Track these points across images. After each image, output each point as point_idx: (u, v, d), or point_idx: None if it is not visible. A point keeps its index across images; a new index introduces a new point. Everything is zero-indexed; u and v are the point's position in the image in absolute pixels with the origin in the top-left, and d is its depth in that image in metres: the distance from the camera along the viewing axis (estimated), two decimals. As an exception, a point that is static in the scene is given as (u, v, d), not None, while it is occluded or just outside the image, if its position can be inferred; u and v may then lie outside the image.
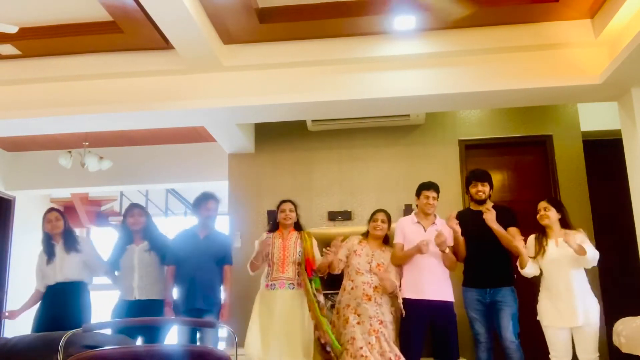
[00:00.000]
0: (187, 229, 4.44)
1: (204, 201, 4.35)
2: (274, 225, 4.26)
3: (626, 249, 4.54)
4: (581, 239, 3.72)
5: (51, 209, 4.48)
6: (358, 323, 3.83)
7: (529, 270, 3.78)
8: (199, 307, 4.08)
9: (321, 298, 4.03)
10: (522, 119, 5.48)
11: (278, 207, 4.25)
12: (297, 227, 4.26)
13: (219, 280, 4.29)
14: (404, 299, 3.90)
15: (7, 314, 4.36)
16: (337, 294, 4.12)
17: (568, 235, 3.66)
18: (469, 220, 4.05)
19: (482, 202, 4.08)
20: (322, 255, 4.09)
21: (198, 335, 4.23)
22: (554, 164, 5.32)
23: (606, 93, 4.27)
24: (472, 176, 4.17)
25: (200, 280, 4.14)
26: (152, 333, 4.01)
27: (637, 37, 3.49)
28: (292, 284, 4.02)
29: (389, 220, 4.13)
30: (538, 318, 3.82)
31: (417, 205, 4.15)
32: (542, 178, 5.39)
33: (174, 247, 4.29)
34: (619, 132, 4.40)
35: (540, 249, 3.80)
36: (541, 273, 3.83)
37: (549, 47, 4.18)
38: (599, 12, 4.00)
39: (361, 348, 3.70)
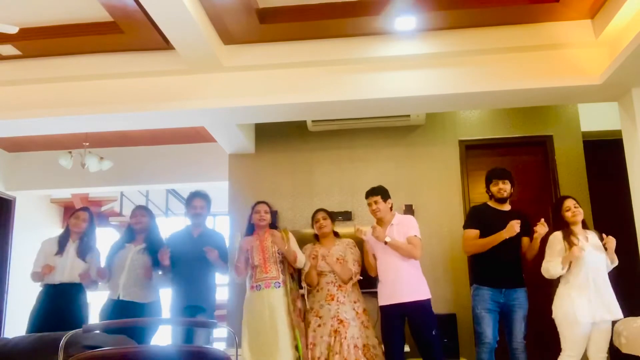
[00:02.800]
0: (180, 229, 4.48)
1: (190, 200, 4.42)
2: (249, 227, 4.30)
3: (626, 249, 4.53)
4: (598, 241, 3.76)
5: (85, 208, 4.58)
6: (319, 326, 3.91)
7: (555, 270, 3.70)
8: (192, 305, 4.10)
9: (299, 303, 4.08)
10: (523, 119, 5.48)
11: (253, 208, 4.31)
12: (272, 227, 4.32)
13: (213, 278, 4.31)
14: (380, 307, 3.95)
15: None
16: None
17: (610, 242, 3.69)
18: (489, 217, 4.02)
19: (503, 200, 4.05)
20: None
21: (196, 333, 4.25)
22: (554, 164, 5.32)
23: (606, 93, 4.26)
24: (493, 174, 4.13)
25: (194, 278, 4.17)
26: (139, 334, 3.93)
27: (638, 38, 3.49)
28: (278, 282, 4.06)
29: (330, 216, 4.27)
30: (553, 316, 3.73)
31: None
32: (543, 178, 5.38)
33: (168, 247, 4.28)
34: (619, 132, 4.40)
35: (571, 246, 3.69)
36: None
37: (549, 48, 4.18)
38: (599, 13, 4.00)
39: (319, 358, 3.81)
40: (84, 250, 4.32)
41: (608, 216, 5.31)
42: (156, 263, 4.23)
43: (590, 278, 3.66)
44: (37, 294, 4.28)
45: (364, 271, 4.16)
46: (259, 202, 4.33)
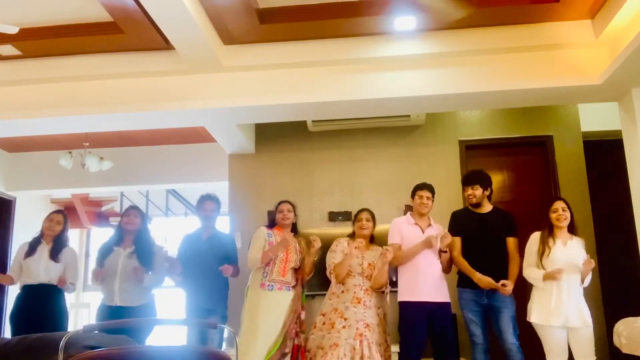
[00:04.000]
0: (191, 232, 4.51)
1: (201, 202, 4.45)
2: (272, 222, 4.29)
3: (626, 249, 4.53)
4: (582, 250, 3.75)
5: (59, 211, 4.58)
6: (344, 327, 3.80)
7: (535, 275, 3.76)
8: (205, 307, 4.15)
9: (302, 315, 4.06)
10: (523, 120, 5.48)
11: (277, 207, 4.28)
12: (294, 229, 4.30)
13: (224, 279, 4.33)
14: (401, 302, 3.89)
15: None
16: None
17: (587, 264, 3.62)
18: (467, 221, 4.05)
19: (476, 205, 4.07)
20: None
21: (209, 334, 4.28)
22: (554, 165, 5.32)
23: (606, 93, 4.26)
24: (464, 180, 4.18)
25: (205, 280, 4.20)
26: (135, 335, 3.91)
27: (638, 38, 3.49)
28: (289, 286, 4.07)
29: (373, 218, 4.13)
30: (528, 319, 3.78)
31: (412, 207, 4.14)
32: (543, 178, 5.38)
33: (180, 253, 4.34)
34: (619, 132, 4.40)
35: (545, 248, 3.76)
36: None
37: (550, 48, 4.18)
38: (599, 13, 4.00)
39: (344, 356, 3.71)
40: (56, 252, 4.34)
41: (608, 216, 5.31)
42: (145, 265, 4.19)
43: (554, 282, 3.69)
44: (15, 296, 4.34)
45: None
46: (282, 202, 4.30)
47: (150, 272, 4.19)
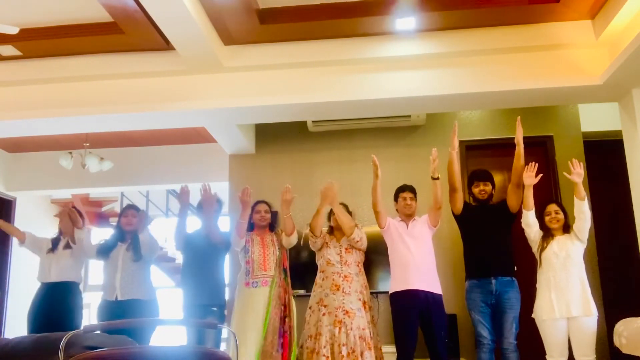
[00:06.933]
0: (193, 231, 4.51)
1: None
2: (249, 226, 4.31)
3: (627, 249, 4.53)
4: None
5: (73, 207, 4.74)
6: (324, 315, 3.91)
7: (531, 218, 3.86)
8: (204, 304, 4.15)
9: (286, 299, 4.07)
10: (523, 120, 5.37)
11: (253, 207, 4.32)
12: (271, 228, 4.34)
13: (221, 276, 4.35)
14: (392, 294, 3.92)
15: None
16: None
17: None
18: (469, 215, 4.06)
19: (483, 201, 4.08)
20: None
21: (206, 333, 4.29)
22: (554, 165, 5.32)
23: (607, 94, 4.26)
24: (474, 176, 4.18)
25: (205, 277, 4.20)
26: (138, 333, 3.95)
27: (638, 38, 3.49)
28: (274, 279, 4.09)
29: (347, 210, 4.28)
30: (533, 315, 3.81)
31: (397, 210, 4.16)
32: (543, 179, 5.31)
33: (183, 244, 4.37)
34: (619, 133, 4.41)
35: (542, 244, 3.85)
36: (540, 267, 3.87)
37: (550, 48, 4.18)
38: (599, 13, 4.00)
39: (324, 347, 3.77)
40: (69, 241, 4.56)
41: (608, 216, 5.31)
42: (137, 257, 4.31)
43: (552, 273, 3.75)
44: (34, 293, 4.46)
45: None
46: (259, 202, 4.34)
47: (139, 260, 4.32)
